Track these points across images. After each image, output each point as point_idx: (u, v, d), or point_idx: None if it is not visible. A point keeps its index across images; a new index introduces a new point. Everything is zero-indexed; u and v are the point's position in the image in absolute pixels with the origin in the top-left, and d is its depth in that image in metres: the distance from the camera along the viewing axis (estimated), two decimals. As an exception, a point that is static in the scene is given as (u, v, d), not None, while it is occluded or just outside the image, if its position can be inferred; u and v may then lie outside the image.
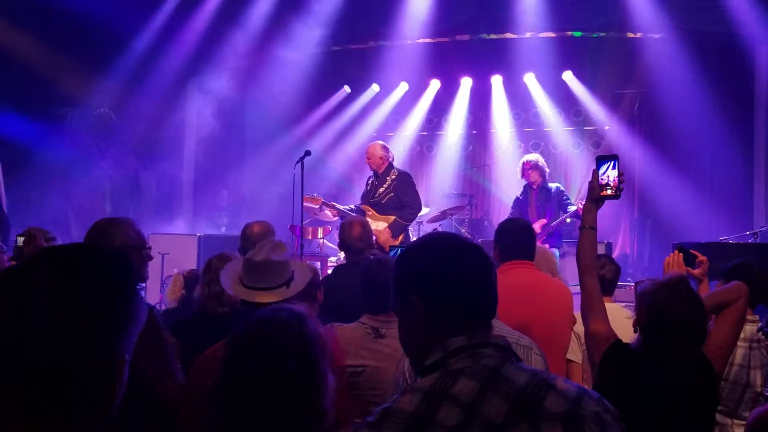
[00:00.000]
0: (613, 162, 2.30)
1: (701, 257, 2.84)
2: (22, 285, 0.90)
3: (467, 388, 1.11)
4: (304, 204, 5.73)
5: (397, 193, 5.58)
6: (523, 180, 6.86)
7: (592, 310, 2.23)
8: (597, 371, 2.19)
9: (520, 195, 6.84)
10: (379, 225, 5.57)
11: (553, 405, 1.09)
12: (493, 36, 9.11)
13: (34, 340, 0.87)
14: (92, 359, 0.91)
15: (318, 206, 6.07)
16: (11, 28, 7.62)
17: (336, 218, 6.26)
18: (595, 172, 2.32)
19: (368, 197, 5.78)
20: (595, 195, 2.32)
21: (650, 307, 2.12)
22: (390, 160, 5.80)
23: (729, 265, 3.18)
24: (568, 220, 6.53)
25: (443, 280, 1.25)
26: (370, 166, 5.82)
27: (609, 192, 2.29)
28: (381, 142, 6.03)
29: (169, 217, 9.34)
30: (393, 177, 5.67)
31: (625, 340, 2.26)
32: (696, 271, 2.78)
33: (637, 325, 2.22)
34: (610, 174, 2.30)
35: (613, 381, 2.10)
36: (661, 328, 2.10)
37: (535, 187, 6.66)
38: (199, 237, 7.40)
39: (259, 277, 2.20)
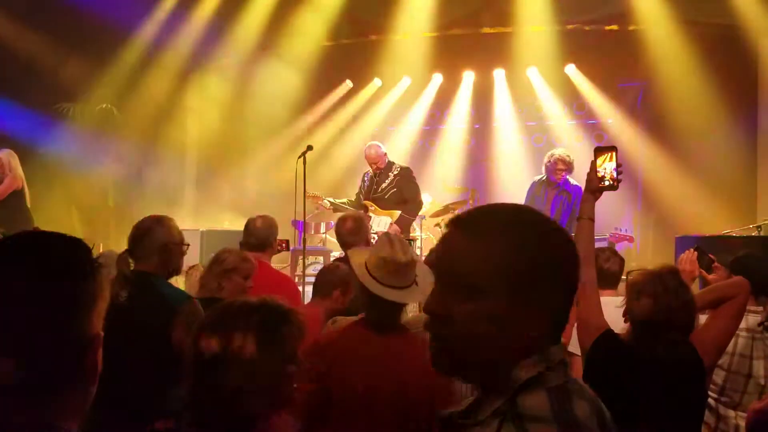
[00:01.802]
0: (611, 154, 2.29)
1: (717, 264, 2.84)
2: None
3: (584, 411, 0.96)
4: (307, 199, 5.75)
5: (400, 187, 5.60)
6: (543, 174, 6.22)
7: (585, 298, 2.23)
8: (586, 359, 2.20)
9: (536, 187, 6.21)
10: (382, 220, 5.59)
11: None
12: (495, 29, 9.07)
13: (7, 319, 0.98)
14: (62, 334, 1.00)
15: (319, 203, 6.09)
16: (14, 23, 7.62)
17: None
18: (593, 164, 2.32)
19: (369, 193, 5.79)
20: (594, 186, 2.31)
21: (639, 297, 2.13)
22: (387, 155, 5.81)
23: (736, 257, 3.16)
24: None
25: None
26: (372, 167, 5.81)
27: (607, 183, 2.29)
28: (375, 143, 6.03)
29: (171, 212, 9.31)
30: (396, 172, 5.68)
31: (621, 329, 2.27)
32: (710, 277, 2.78)
33: (627, 314, 2.23)
34: (607, 166, 2.29)
35: (601, 369, 2.11)
36: (649, 318, 2.11)
37: (554, 185, 6.05)
38: (202, 232, 7.40)
39: (402, 277, 2.17)
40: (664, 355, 2.09)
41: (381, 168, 5.74)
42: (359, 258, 2.24)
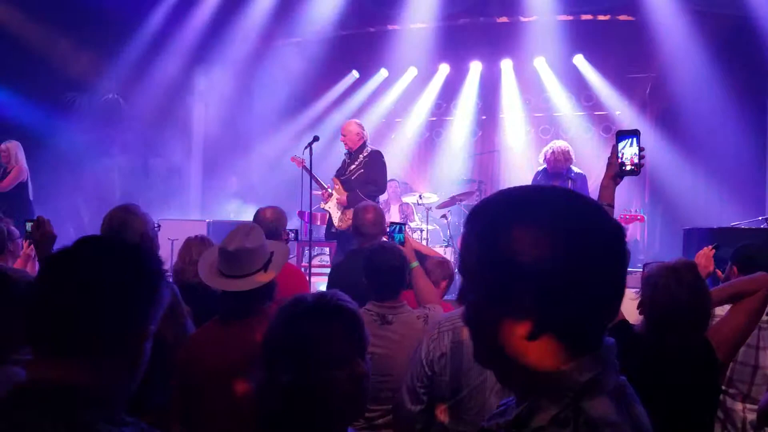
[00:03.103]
0: (633, 138, 2.24)
1: (735, 269, 2.82)
2: (75, 265, 1.14)
3: (645, 417, 0.93)
4: (292, 161, 6.02)
5: (366, 170, 5.59)
6: (543, 164, 6.31)
7: None
8: None
9: (540, 177, 6.24)
10: (342, 198, 5.66)
11: None
12: (503, 19, 9.01)
13: (84, 308, 1.09)
14: (127, 328, 1.13)
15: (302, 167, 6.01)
16: (20, 14, 7.62)
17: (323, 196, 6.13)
18: (615, 148, 2.25)
19: (340, 174, 5.80)
20: (614, 171, 2.25)
21: (654, 289, 2.10)
22: (364, 139, 5.77)
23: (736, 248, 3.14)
24: None
25: None
26: (345, 144, 5.79)
27: (628, 168, 2.24)
28: (357, 120, 6.00)
29: (178, 203, 9.35)
30: (365, 155, 5.67)
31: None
32: (723, 275, 2.76)
33: (641, 307, 2.20)
34: (628, 150, 2.24)
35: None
36: (662, 311, 2.08)
37: (559, 175, 6.06)
38: (209, 223, 7.41)
39: (236, 265, 2.22)
40: (676, 349, 2.07)
41: (353, 149, 5.72)
42: (210, 257, 2.37)
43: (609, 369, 0.88)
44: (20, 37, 7.64)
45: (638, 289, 2.32)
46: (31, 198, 6.78)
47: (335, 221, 5.65)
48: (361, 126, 5.82)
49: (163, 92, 8.89)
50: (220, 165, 9.97)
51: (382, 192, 5.75)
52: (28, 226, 3.13)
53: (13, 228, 3.52)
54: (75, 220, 8.33)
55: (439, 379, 2.28)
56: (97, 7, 7.53)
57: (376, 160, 5.66)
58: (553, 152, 6.10)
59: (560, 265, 0.84)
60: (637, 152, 2.22)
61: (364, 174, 5.60)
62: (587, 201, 0.91)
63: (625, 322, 2.18)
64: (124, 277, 1.13)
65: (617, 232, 0.90)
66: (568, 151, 6.09)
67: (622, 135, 2.25)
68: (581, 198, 0.92)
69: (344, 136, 5.76)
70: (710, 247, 2.80)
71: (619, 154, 2.22)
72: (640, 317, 2.27)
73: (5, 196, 6.55)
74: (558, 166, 6.06)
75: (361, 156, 5.67)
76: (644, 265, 2.32)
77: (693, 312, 2.08)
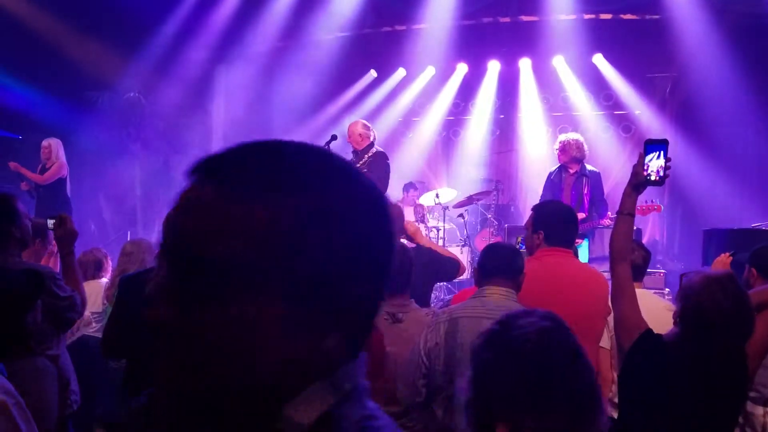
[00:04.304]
0: (661, 151, 2.19)
1: (754, 271, 2.80)
2: None
3: None
4: None
5: (369, 170, 5.60)
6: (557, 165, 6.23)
7: (624, 296, 2.18)
8: (625, 359, 2.16)
9: (554, 176, 6.07)
10: None
11: None
12: (521, 18, 8.97)
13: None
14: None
15: None
16: (42, 12, 7.74)
17: None
18: (642, 157, 2.22)
19: None
20: (639, 180, 2.22)
21: (697, 300, 2.06)
22: (371, 139, 5.77)
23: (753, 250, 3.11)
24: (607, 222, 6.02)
25: None
26: (351, 145, 5.81)
27: (653, 178, 2.20)
28: (363, 120, 6.01)
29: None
30: (370, 155, 5.67)
31: (655, 328, 2.22)
32: (743, 279, 2.73)
33: (679, 317, 2.15)
34: (655, 163, 2.19)
35: (642, 370, 2.08)
36: (707, 322, 2.04)
37: (572, 171, 5.97)
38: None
39: None
40: (713, 361, 2.04)
41: (358, 150, 5.73)
42: None
43: (350, 397, 0.67)
44: (43, 36, 7.76)
45: (656, 291, 2.30)
46: (69, 195, 6.94)
47: None
48: (366, 126, 5.81)
49: (184, 90, 8.98)
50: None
51: (383, 192, 5.75)
52: (50, 223, 3.19)
53: (38, 223, 3.59)
54: (97, 218, 8.46)
55: (434, 369, 2.30)
56: (120, 6, 7.62)
57: (380, 161, 5.65)
58: (561, 143, 5.99)
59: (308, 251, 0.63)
60: (664, 164, 2.19)
61: (367, 174, 5.62)
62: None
63: (650, 331, 2.15)
64: None
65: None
66: (578, 141, 5.93)
67: (651, 145, 2.20)
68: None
69: (349, 137, 5.78)
70: (727, 254, 2.78)
71: (645, 165, 2.20)
72: (668, 326, 2.23)
73: (45, 192, 6.72)
74: (569, 155, 5.90)
75: (366, 156, 5.68)
76: (681, 276, 2.29)
77: (738, 323, 2.04)
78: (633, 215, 2.27)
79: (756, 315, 2.32)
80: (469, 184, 9.08)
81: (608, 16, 8.57)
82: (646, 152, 2.22)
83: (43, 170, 6.83)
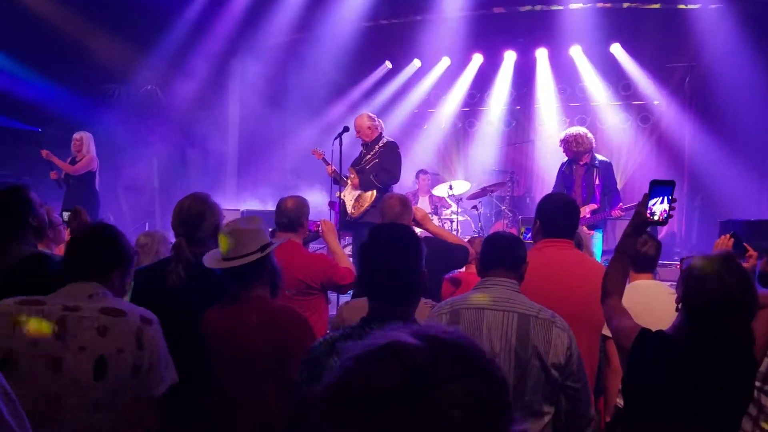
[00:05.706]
0: (665, 196, 2.14)
1: (752, 251, 2.75)
2: None
3: None
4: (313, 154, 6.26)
5: (381, 160, 5.62)
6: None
7: (617, 316, 2.19)
8: (628, 359, 2.14)
9: (565, 168, 6.07)
10: (355, 180, 5.72)
11: None
12: (538, 8, 8.89)
13: None
14: None
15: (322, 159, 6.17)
16: (60, 6, 7.82)
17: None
18: (645, 199, 2.16)
19: (355, 164, 5.84)
20: (641, 221, 2.18)
21: (699, 278, 2.04)
22: (379, 130, 5.79)
23: None
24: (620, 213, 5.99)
25: None
26: (361, 138, 5.83)
27: (655, 218, 2.15)
28: (368, 113, 6.02)
29: (214, 192, 9.48)
30: (381, 145, 5.69)
31: (665, 317, 2.21)
32: (744, 265, 2.69)
33: (683, 301, 2.14)
34: (659, 207, 2.14)
35: (648, 361, 2.07)
36: (712, 303, 2.02)
37: (582, 163, 5.96)
38: (242, 212, 7.55)
39: (231, 248, 2.31)
40: (719, 350, 2.02)
41: (368, 141, 5.74)
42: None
43: None
44: (62, 30, 7.85)
45: (672, 283, 2.27)
46: (98, 188, 7.03)
47: (348, 209, 5.71)
48: (372, 118, 5.84)
49: (200, 83, 9.04)
50: (256, 154, 10.10)
51: (396, 180, 5.75)
52: (65, 215, 3.24)
53: (55, 216, 3.65)
54: (114, 209, 8.56)
55: None
56: (137, 0, 7.69)
57: (391, 150, 5.69)
58: (561, 142, 6.00)
59: None
60: (668, 209, 2.15)
61: (378, 163, 5.64)
62: None
63: (646, 330, 2.14)
64: None
65: None
66: (576, 135, 5.90)
67: (657, 187, 2.15)
68: None
69: (358, 132, 5.80)
70: (728, 235, 2.75)
71: (649, 208, 2.17)
72: (663, 312, 2.24)
73: (75, 183, 6.81)
74: (571, 150, 5.91)
75: (376, 147, 5.71)
76: (681, 260, 2.27)
77: (743, 297, 2.02)
78: (631, 255, 2.25)
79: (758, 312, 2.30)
80: (484, 175, 9.04)
81: (626, 5, 8.46)
82: (651, 195, 2.16)
83: (73, 162, 6.91)
